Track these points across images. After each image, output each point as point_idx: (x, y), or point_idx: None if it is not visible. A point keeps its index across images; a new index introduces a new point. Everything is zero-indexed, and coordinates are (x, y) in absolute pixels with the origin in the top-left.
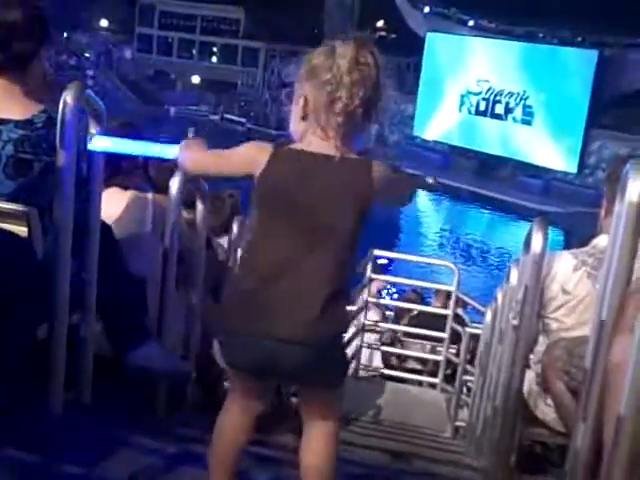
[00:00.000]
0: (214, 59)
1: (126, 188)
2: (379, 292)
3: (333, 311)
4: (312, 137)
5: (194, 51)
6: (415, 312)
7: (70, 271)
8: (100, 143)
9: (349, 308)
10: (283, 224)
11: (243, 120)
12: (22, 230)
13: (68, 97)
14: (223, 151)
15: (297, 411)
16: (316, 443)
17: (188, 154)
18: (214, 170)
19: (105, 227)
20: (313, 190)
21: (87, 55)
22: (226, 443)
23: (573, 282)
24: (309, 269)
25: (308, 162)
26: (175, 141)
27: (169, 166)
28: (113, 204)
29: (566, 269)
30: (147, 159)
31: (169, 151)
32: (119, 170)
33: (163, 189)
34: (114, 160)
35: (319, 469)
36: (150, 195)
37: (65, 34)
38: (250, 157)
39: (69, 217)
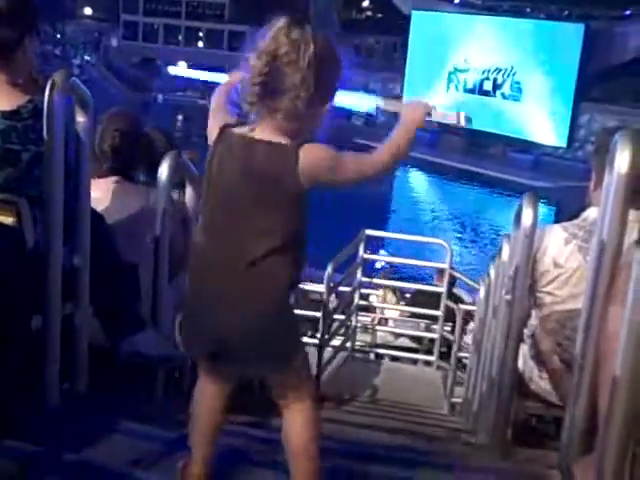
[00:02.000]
0: (200, 44)
1: (131, 179)
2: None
3: (261, 295)
4: (256, 121)
5: (180, 37)
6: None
7: (62, 260)
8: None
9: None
10: (209, 207)
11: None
12: (12, 220)
13: (54, 85)
14: (215, 112)
15: None
16: (293, 426)
17: (216, 92)
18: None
19: (96, 216)
20: (230, 174)
21: (72, 44)
22: (203, 416)
23: (564, 255)
24: (233, 259)
25: (234, 146)
26: (165, 126)
27: None
28: (109, 192)
29: (557, 243)
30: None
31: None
32: (123, 165)
33: None
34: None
35: (300, 452)
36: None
37: (50, 23)
38: (210, 131)
39: (59, 206)
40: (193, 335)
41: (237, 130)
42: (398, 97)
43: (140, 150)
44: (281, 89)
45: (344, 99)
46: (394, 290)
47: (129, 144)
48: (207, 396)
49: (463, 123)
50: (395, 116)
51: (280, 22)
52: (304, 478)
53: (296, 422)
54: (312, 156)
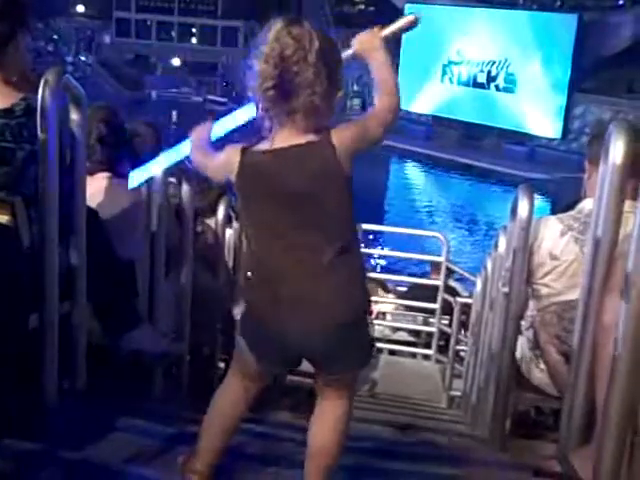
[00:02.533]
0: (194, 40)
1: (119, 175)
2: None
3: (348, 293)
4: (275, 129)
5: (173, 33)
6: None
7: (58, 258)
8: (137, 179)
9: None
10: (268, 224)
11: (225, 100)
12: (7, 219)
13: (47, 83)
14: (212, 155)
15: (296, 389)
16: (330, 425)
17: (192, 154)
18: (208, 173)
19: (91, 212)
20: (286, 182)
21: (65, 41)
22: (222, 418)
23: (560, 247)
24: (309, 263)
25: (266, 163)
26: (160, 122)
27: None
28: (102, 189)
29: (553, 234)
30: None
31: (184, 150)
32: (111, 158)
33: None
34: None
35: (331, 449)
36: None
37: (42, 21)
38: (224, 162)
39: (54, 204)
40: (269, 343)
41: (260, 147)
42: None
43: (125, 140)
44: (295, 89)
45: None
46: (382, 285)
47: (114, 133)
48: (233, 397)
49: (412, 17)
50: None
51: (277, 23)
52: (326, 470)
53: (335, 418)
54: (343, 138)
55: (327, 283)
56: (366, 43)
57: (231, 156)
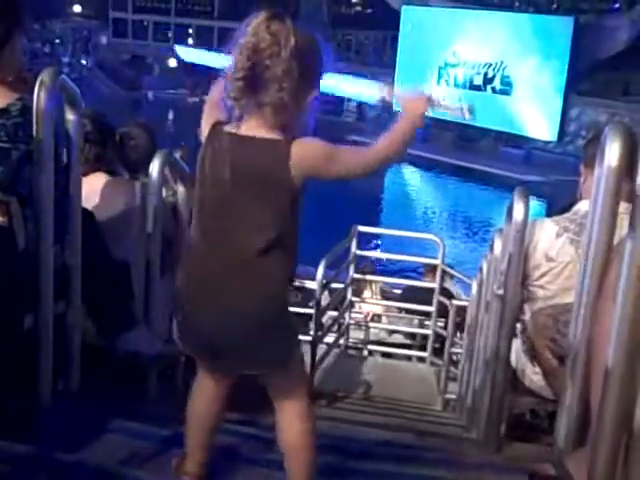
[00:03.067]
0: (190, 41)
1: (110, 174)
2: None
3: (259, 292)
4: (244, 118)
5: (170, 34)
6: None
7: (53, 259)
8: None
9: (338, 285)
10: (203, 205)
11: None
12: (2, 220)
13: (43, 83)
14: (208, 110)
15: None
16: (288, 424)
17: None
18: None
19: (86, 213)
20: (223, 172)
21: (62, 42)
22: (199, 417)
23: (556, 249)
24: (230, 256)
25: (225, 143)
26: (156, 123)
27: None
28: (97, 189)
29: (549, 236)
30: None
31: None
32: (102, 157)
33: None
34: (97, 146)
35: (296, 448)
36: (136, 182)
37: (39, 21)
38: (202, 128)
39: (50, 204)
40: (191, 334)
41: (227, 127)
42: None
43: (113, 141)
44: (265, 82)
45: (347, 87)
46: (371, 286)
47: (99, 131)
48: (204, 396)
49: (467, 115)
50: (387, 110)
51: (259, 16)
52: (301, 470)
53: (291, 417)
54: (304, 151)
55: (244, 278)
56: (412, 109)
57: (206, 126)
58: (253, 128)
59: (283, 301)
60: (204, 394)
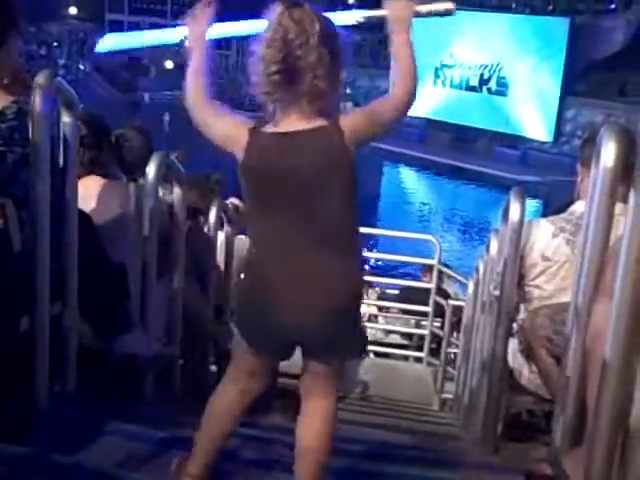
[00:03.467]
0: (187, 43)
1: (104, 177)
2: None
3: (345, 276)
4: (278, 113)
5: None
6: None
7: (49, 261)
8: (106, 44)
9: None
10: (274, 206)
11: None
12: None
13: (39, 86)
14: (218, 112)
15: (287, 392)
16: (315, 421)
17: (188, 79)
18: (208, 134)
19: (83, 216)
20: (291, 167)
21: (58, 44)
22: (218, 421)
23: (552, 249)
24: (312, 246)
25: (275, 147)
26: (152, 125)
27: None
28: (92, 192)
29: (545, 236)
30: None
31: (172, 36)
32: (97, 160)
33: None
34: (92, 149)
35: (316, 448)
36: (131, 184)
37: (35, 23)
38: (230, 135)
39: (45, 207)
40: (265, 330)
41: (269, 130)
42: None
43: (109, 143)
44: (300, 73)
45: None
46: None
47: (93, 134)
48: (226, 402)
49: (451, 6)
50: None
51: (278, 8)
52: (315, 469)
53: (319, 413)
54: (353, 125)
55: (327, 268)
56: (398, 10)
57: (239, 133)
58: (295, 122)
59: (362, 289)
60: (229, 399)
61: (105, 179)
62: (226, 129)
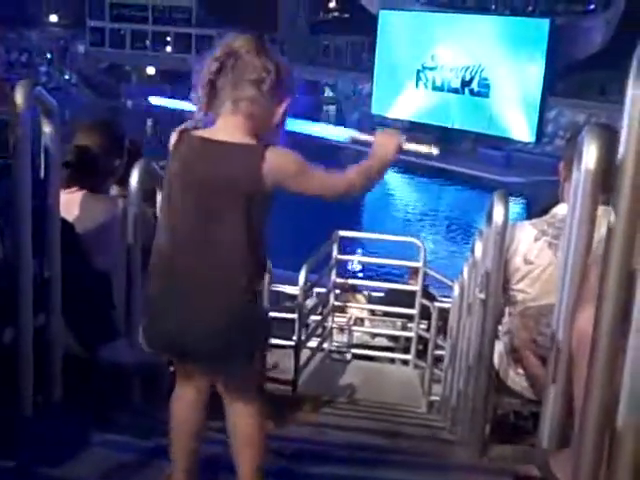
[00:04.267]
0: (168, 49)
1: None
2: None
3: (229, 291)
4: (217, 123)
5: (147, 42)
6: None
7: (33, 271)
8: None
9: (320, 290)
10: (174, 209)
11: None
12: None
13: (18, 96)
14: None
15: (275, 397)
16: (240, 416)
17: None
18: None
19: (66, 225)
20: (197, 176)
21: (39, 51)
22: (182, 423)
23: (534, 252)
24: (205, 257)
25: (198, 149)
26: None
27: None
28: (77, 202)
29: (527, 239)
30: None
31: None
32: (94, 174)
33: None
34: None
35: (248, 440)
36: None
37: (15, 31)
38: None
39: (27, 217)
40: (158, 333)
41: (198, 133)
42: (368, 96)
43: (102, 168)
44: (243, 76)
45: (318, 129)
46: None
47: (88, 161)
48: (184, 404)
49: (435, 152)
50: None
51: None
52: (251, 467)
53: (243, 411)
54: (279, 160)
55: (211, 281)
56: (385, 147)
57: (173, 137)
58: (227, 132)
59: (247, 302)
60: (182, 405)
61: (90, 191)
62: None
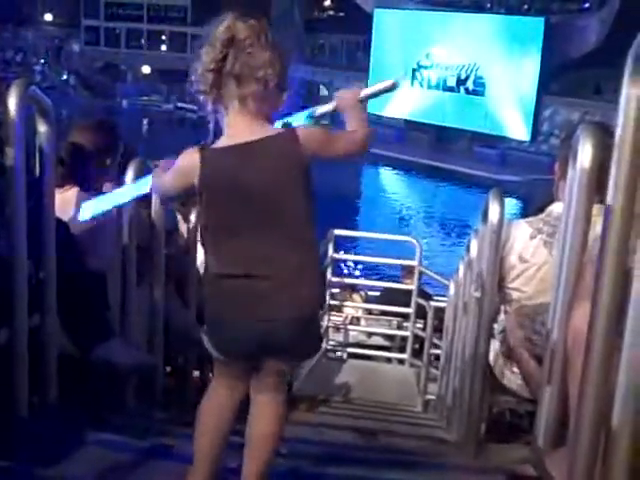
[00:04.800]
0: (163, 48)
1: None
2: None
3: (309, 285)
4: (232, 126)
5: (143, 41)
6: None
7: (27, 271)
8: (87, 213)
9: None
10: (237, 219)
11: (195, 108)
12: None
13: (13, 95)
14: (172, 170)
15: None
16: (265, 414)
17: (154, 183)
18: (172, 191)
19: (61, 225)
20: (250, 178)
21: (34, 50)
22: (213, 426)
23: (530, 250)
24: (275, 253)
25: (236, 155)
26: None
27: None
28: (71, 201)
29: (523, 238)
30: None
31: (144, 187)
32: (86, 172)
33: None
34: (83, 164)
35: (267, 440)
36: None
37: (10, 30)
38: (184, 168)
39: (22, 217)
40: (230, 336)
41: (220, 144)
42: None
43: (95, 167)
44: (249, 71)
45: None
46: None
47: (80, 160)
48: (221, 395)
49: (399, 81)
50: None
51: (227, 16)
52: (261, 466)
53: (269, 411)
54: (311, 135)
55: (286, 279)
56: (345, 100)
57: (190, 159)
58: (248, 130)
59: (320, 300)
60: (218, 405)
61: (84, 190)
62: (176, 166)
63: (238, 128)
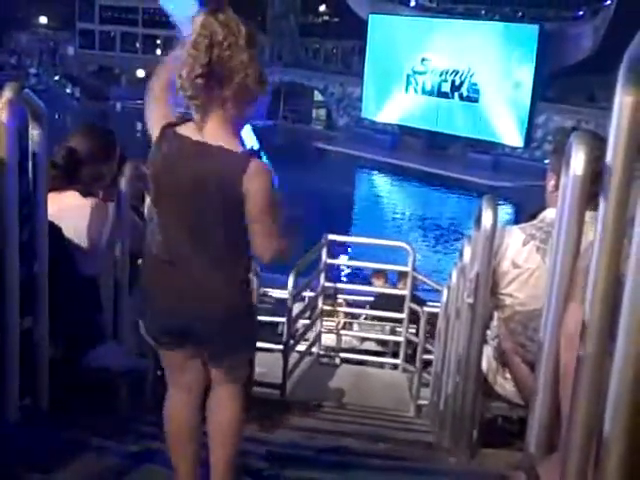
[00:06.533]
0: (158, 51)
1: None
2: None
3: (227, 290)
4: (203, 121)
5: (137, 44)
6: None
7: (19, 275)
8: None
9: (308, 294)
10: (167, 208)
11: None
12: None
13: (6, 98)
14: (166, 97)
15: (262, 401)
16: (223, 401)
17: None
18: (149, 93)
19: (54, 229)
20: (181, 178)
21: (28, 53)
22: (178, 427)
23: (523, 256)
24: (195, 254)
25: (183, 150)
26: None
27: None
28: (66, 206)
29: (516, 244)
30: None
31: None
32: (79, 179)
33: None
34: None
35: (226, 427)
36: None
37: (4, 33)
38: (150, 124)
39: (14, 221)
40: (153, 317)
41: (183, 131)
42: (358, 100)
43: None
44: (229, 74)
45: None
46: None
47: (73, 164)
48: (176, 405)
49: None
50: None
51: (202, 14)
52: (228, 449)
53: (224, 399)
54: (260, 176)
55: (203, 281)
56: None
57: (158, 127)
58: (212, 133)
59: (243, 296)
60: (176, 401)
61: (80, 194)
62: (148, 114)
63: (206, 125)
